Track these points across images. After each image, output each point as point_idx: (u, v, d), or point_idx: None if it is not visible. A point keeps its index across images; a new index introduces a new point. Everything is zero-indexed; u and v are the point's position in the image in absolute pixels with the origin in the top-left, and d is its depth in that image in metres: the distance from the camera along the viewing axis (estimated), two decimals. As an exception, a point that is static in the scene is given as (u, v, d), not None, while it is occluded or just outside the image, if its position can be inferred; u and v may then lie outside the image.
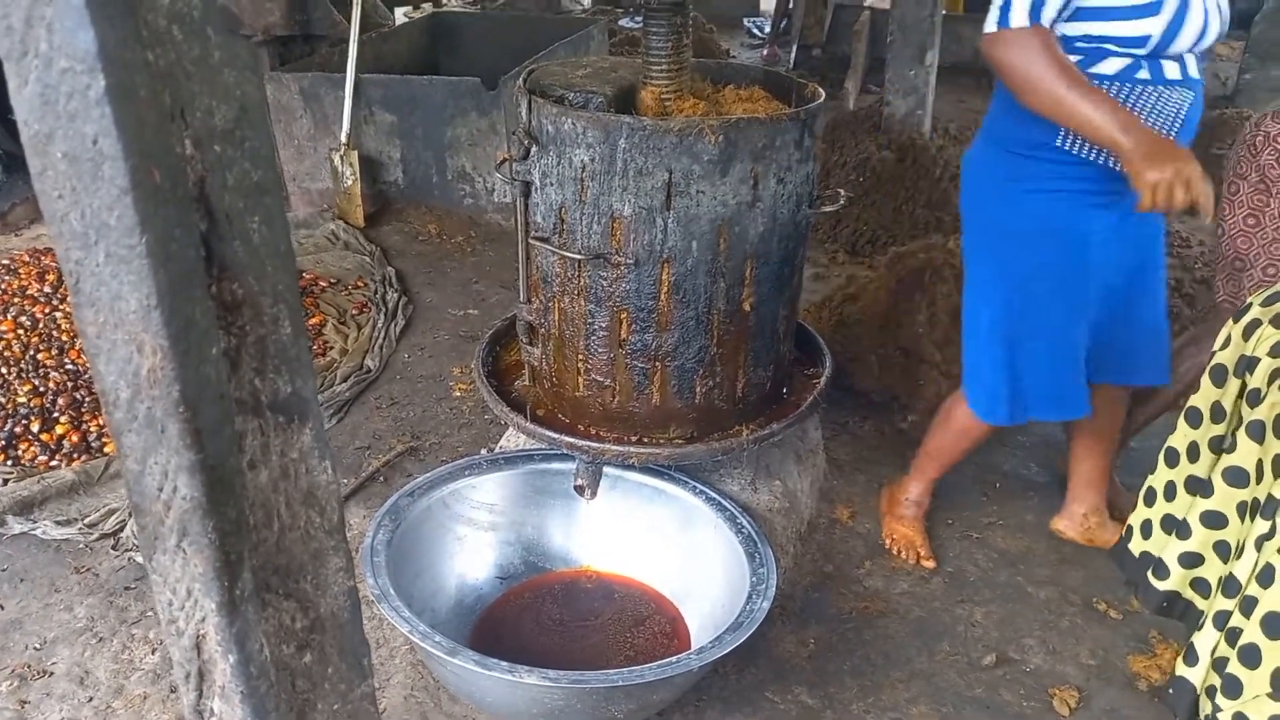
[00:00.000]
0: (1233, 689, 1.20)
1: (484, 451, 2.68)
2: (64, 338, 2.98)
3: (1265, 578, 1.16)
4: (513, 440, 2.43)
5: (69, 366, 2.86)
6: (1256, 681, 1.17)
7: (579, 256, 1.94)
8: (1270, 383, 1.23)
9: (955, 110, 6.07)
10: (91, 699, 1.94)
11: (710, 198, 1.87)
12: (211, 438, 0.50)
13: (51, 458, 2.59)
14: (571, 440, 2.07)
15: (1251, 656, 1.17)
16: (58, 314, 3.11)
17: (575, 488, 2.11)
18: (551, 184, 1.94)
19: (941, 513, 2.55)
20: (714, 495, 2.13)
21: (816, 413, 2.41)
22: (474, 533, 2.18)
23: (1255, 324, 1.31)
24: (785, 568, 2.21)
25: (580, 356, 2.06)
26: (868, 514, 2.55)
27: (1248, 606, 1.19)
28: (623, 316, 1.98)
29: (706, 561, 2.10)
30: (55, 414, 2.69)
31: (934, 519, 2.51)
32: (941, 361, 3.04)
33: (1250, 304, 1.36)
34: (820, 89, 2.08)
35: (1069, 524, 2.41)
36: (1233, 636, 1.21)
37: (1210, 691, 1.26)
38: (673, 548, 2.17)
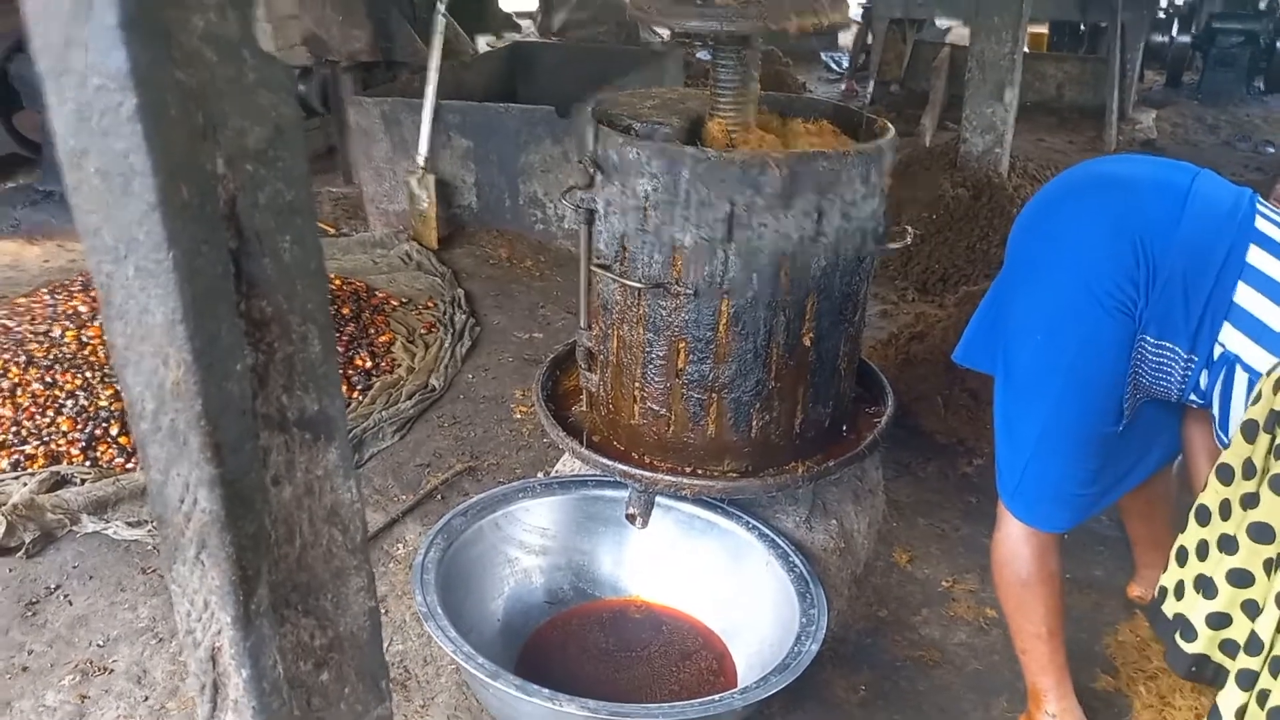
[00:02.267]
0: None
1: (540, 475, 2.69)
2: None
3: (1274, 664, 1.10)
4: (568, 465, 2.44)
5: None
6: None
7: (639, 285, 1.94)
8: None
9: (1035, 149, 5.96)
10: (147, 698, 1.99)
11: (773, 230, 1.86)
12: (232, 453, 0.50)
13: (128, 460, 2.68)
14: (625, 468, 2.06)
15: None
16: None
17: (627, 516, 2.10)
18: (615, 212, 1.95)
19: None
20: (767, 531, 2.10)
21: (877, 452, 2.36)
22: (525, 556, 2.18)
23: None
24: (838, 610, 2.16)
25: (637, 384, 2.06)
26: (927, 559, 2.48)
27: (1276, 667, 1.13)
28: (681, 346, 1.98)
29: (757, 598, 2.06)
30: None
31: (996, 567, 2.43)
32: (1010, 405, 2.96)
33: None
34: (890, 124, 2.05)
35: (1146, 589, 2.30)
36: (1262, 699, 1.15)
37: None
38: (723, 582, 2.14)
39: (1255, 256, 1.56)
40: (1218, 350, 1.60)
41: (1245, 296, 1.56)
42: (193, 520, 0.51)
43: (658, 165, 1.84)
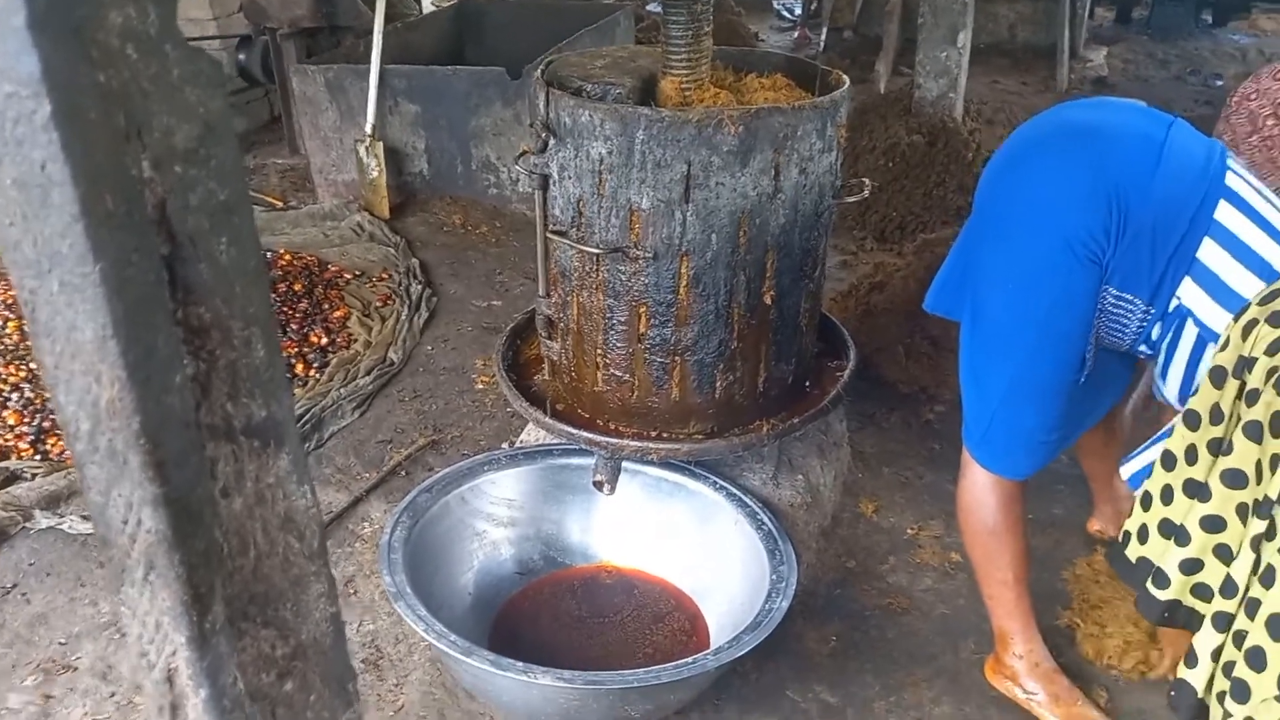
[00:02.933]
0: (1241, 693, 1.18)
1: (504, 446, 2.67)
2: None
3: (1268, 579, 1.13)
4: (533, 435, 2.42)
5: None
6: (1264, 684, 1.14)
7: (597, 250, 1.91)
8: (1267, 381, 1.20)
9: (989, 91, 5.96)
10: (114, 694, 1.96)
11: (730, 189, 1.83)
12: (176, 469, 0.48)
13: (80, 450, 2.62)
14: (590, 436, 2.05)
15: (1258, 659, 1.14)
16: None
17: (594, 483, 2.09)
18: (569, 177, 1.92)
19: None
20: (734, 491, 2.11)
21: (840, 405, 2.37)
22: (493, 528, 2.17)
23: (1253, 323, 1.28)
24: (807, 563, 2.18)
25: (599, 351, 2.04)
26: (892, 508, 2.51)
27: (1252, 609, 1.16)
28: (641, 311, 1.96)
29: (726, 558, 2.07)
30: (83, 407, 2.72)
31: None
32: (970, 352, 2.99)
33: (1248, 304, 1.32)
34: (844, 76, 2.03)
35: (1105, 523, 2.35)
36: (1239, 640, 1.18)
37: (1220, 697, 1.23)
38: (692, 544, 2.15)
39: (1224, 213, 1.57)
40: (1173, 304, 1.61)
41: (1209, 252, 1.57)
42: (138, 541, 0.49)
43: (611, 127, 1.81)
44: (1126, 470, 1.70)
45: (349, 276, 3.63)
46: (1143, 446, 1.70)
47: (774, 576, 1.88)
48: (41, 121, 0.40)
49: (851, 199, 2.09)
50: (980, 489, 1.83)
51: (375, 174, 4.13)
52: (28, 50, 0.38)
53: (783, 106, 1.82)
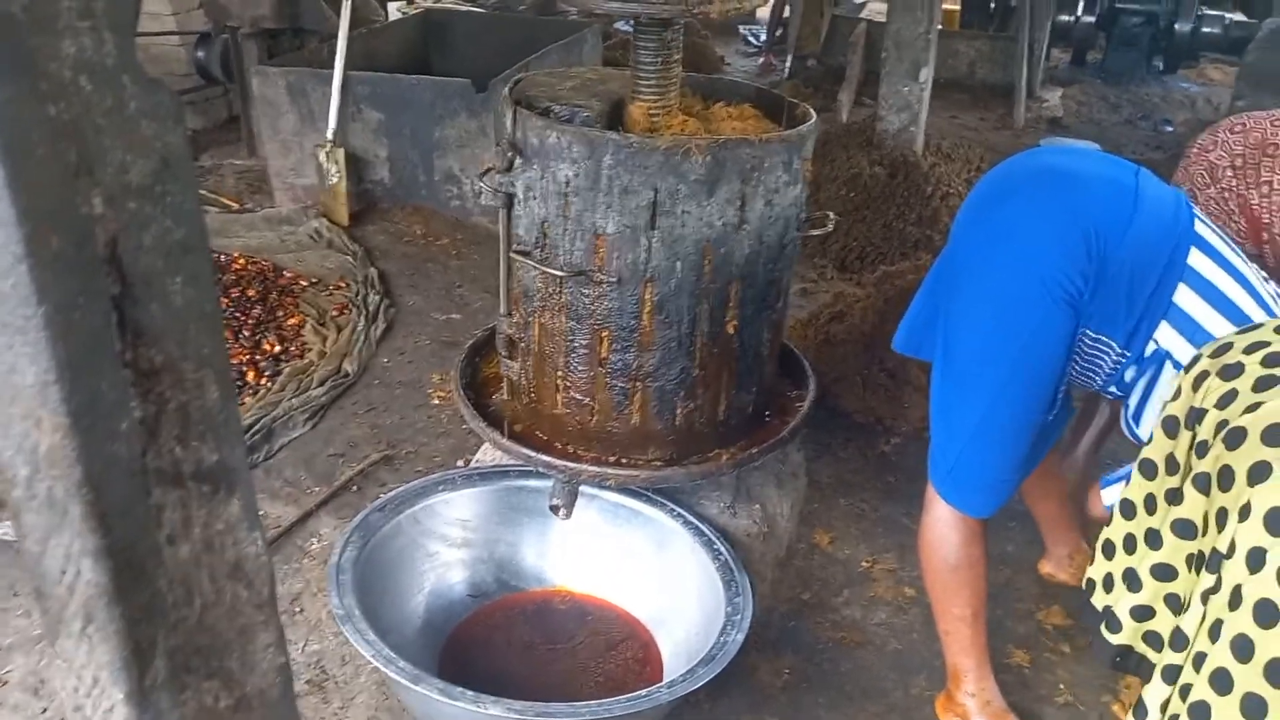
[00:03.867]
0: None
1: (460, 464, 2.63)
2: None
3: (1214, 633, 1.14)
4: (489, 454, 2.39)
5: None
6: None
7: (561, 273, 1.90)
8: (1216, 434, 1.22)
9: (948, 126, 6.06)
10: (45, 710, 1.89)
11: (696, 218, 1.83)
12: (120, 519, 0.46)
13: (16, 456, 2.53)
14: (548, 459, 2.02)
15: (1202, 714, 1.16)
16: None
17: (551, 507, 2.07)
18: (535, 197, 1.90)
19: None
20: (691, 519, 2.09)
21: (798, 436, 2.37)
22: (446, 549, 2.14)
23: (1204, 375, 1.31)
24: (762, 594, 2.17)
25: (560, 374, 2.02)
26: (847, 540, 2.52)
27: (1198, 662, 1.17)
28: (604, 335, 1.94)
29: (682, 587, 2.06)
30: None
31: (914, 548, 2.48)
32: (927, 384, 3.01)
33: (1200, 355, 1.35)
34: (811, 110, 2.04)
35: (1056, 566, 2.37)
36: (1185, 692, 1.19)
37: None
38: (648, 571, 2.13)
39: (1195, 259, 1.61)
40: (1150, 347, 1.64)
41: (1184, 298, 1.60)
42: (76, 593, 0.46)
43: (579, 150, 1.79)
44: (1108, 496, 1.71)
45: (305, 284, 3.57)
46: (1122, 473, 1.71)
47: (729, 609, 1.87)
48: (-14, 157, 0.37)
49: (816, 232, 2.10)
50: (943, 525, 1.83)
51: (335, 180, 4.07)
52: (-29, 82, 0.36)
53: (751, 139, 1.83)
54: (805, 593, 2.33)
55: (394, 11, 6.21)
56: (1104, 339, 1.67)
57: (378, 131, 4.13)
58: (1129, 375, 1.69)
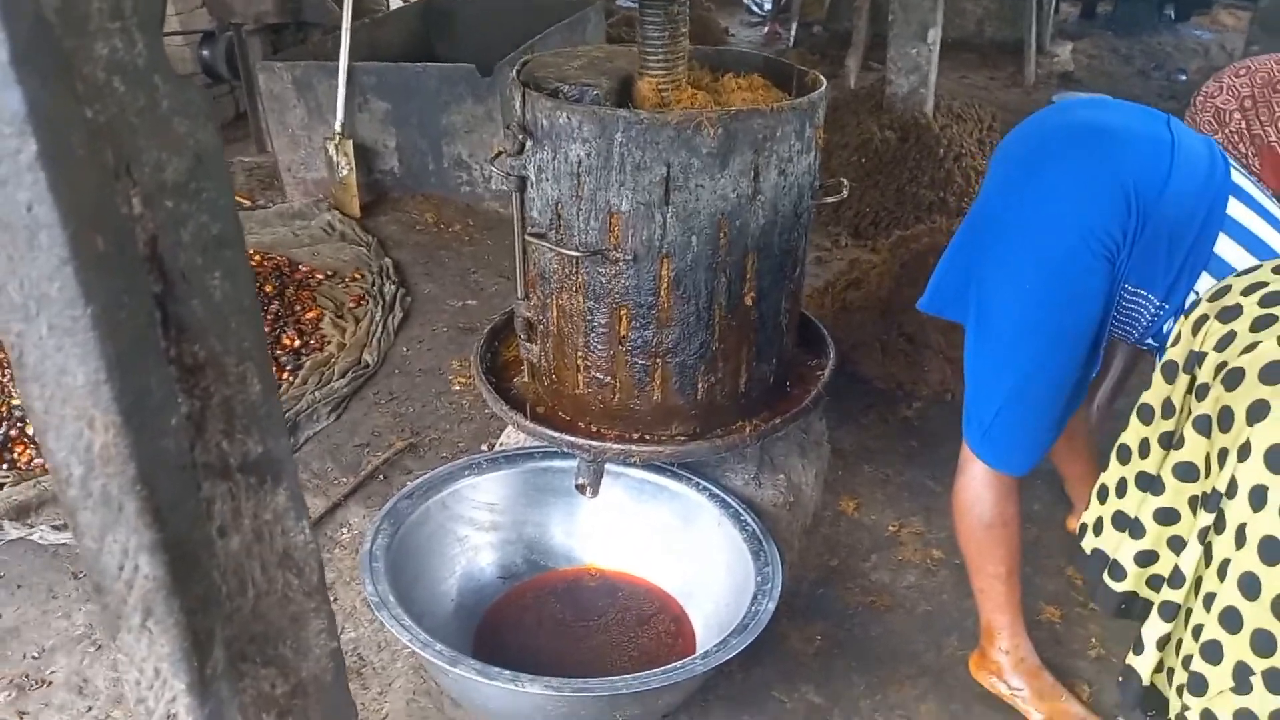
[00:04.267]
0: (1199, 686, 1.20)
1: (484, 449, 2.65)
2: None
3: (1222, 572, 1.15)
4: (513, 436, 2.40)
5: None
6: (1220, 677, 1.16)
7: (576, 253, 1.90)
8: (1215, 376, 1.22)
9: (958, 87, 6.00)
10: (90, 709, 1.93)
11: (710, 191, 1.82)
12: (173, 512, 0.46)
13: (48, 460, 2.57)
14: (572, 439, 2.03)
15: (1213, 652, 1.17)
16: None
17: (577, 486, 2.08)
18: (547, 179, 1.90)
19: (947, 503, 2.51)
20: (717, 492, 2.10)
21: (820, 404, 2.38)
22: (475, 533, 2.16)
23: (1203, 319, 1.31)
24: (790, 563, 2.18)
25: (580, 354, 2.03)
26: (873, 505, 2.52)
27: (1208, 601, 1.18)
28: (622, 313, 1.94)
29: (711, 559, 2.07)
30: (51, 415, 2.67)
31: (939, 510, 2.48)
32: (946, 347, 3.01)
33: (1199, 299, 1.35)
34: (821, 77, 2.03)
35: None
36: (1196, 633, 1.20)
37: (1180, 690, 1.25)
38: (676, 545, 2.14)
39: (1234, 209, 1.59)
40: (1190, 298, 1.63)
41: (1225, 247, 1.59)
42: (135, 587, 0.47)
43: (590, 129, 1.79)
44: None
45: (321, 277, 3.58)
46: None
47: (759, 578, 1.88)
48: (27, 161, 0.38)
49: (830, 199, 2.09)
50: (978, 484, 1.83)
51: (345, 172, 4.08)
52: (11, 86, 0.36)
53: (762, 109, 1.82)
54: (833, 559, 2.34)
55: (395, 1, 6.18)
56: (1143, 292, 1.66)
57: (385, 121, 4.12)
58: (1168, 327, 1.68)
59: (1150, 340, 1.74)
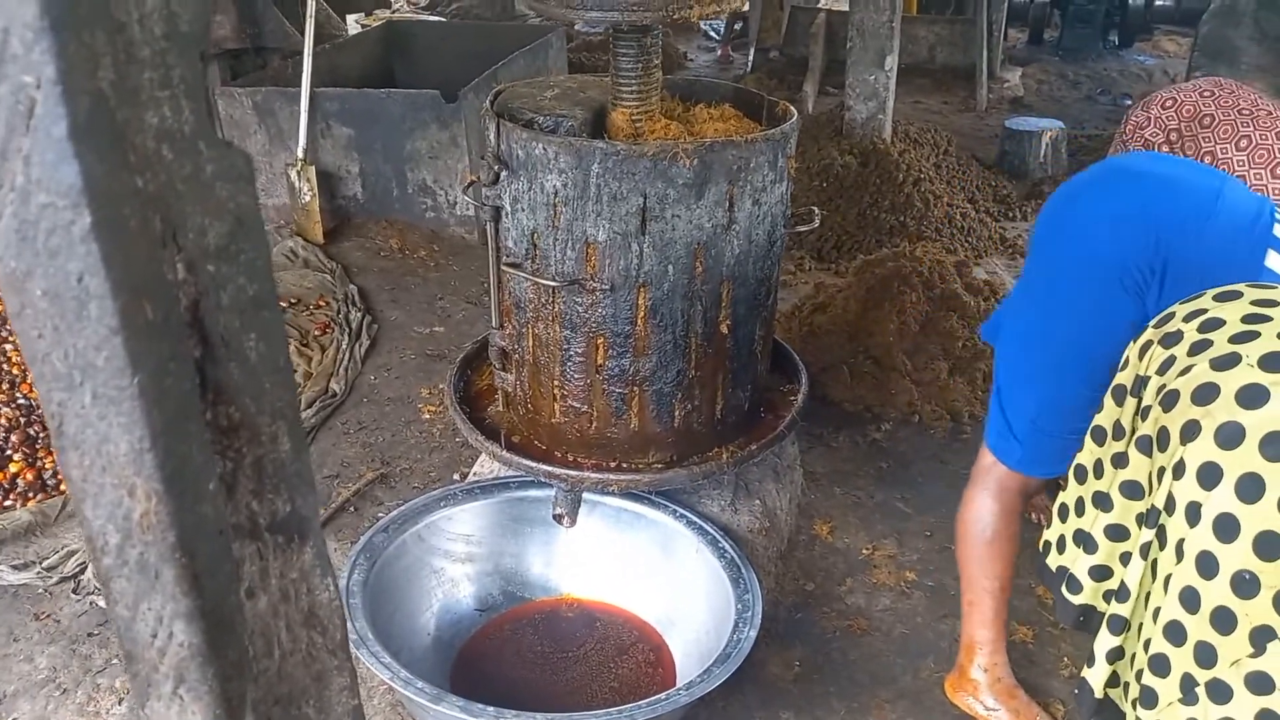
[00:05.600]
0: (1149, 699, 1.24)
1: (457, 478, 2.63)
2: (15, 371, 2.87)
3: (1166, 586, 1.19)
4: (486, 465, 2.39)
5: (21, 401, 2.75)
6: (1168, 690, 1.21)
7: (554, 283, 1.90)
8: (1156, 397, 1.27)
9: (913, 111, 6.11)
10: (56, 755, 1.87)
11: (686, 221, 1.84)
12: (210, 579, 0.46)
13: (5, 497, 2.50)
14: (549, 469, 2.03)
15: (1161, 665, 1.21)
16: (6, 346, 3.00)
17: (554, 516, 2.07)
18: (523, 209, 1.90)
19: (919, 524, 2.55)
20: (695, 519, 2.11)
21: (794, 429, 2.40)
22: (451, 565, 2.13)
23: (1148, 344, 1.36)
24: (768, 588, 2.19)
25: (556, 383, 2.02)
26: (846, 529, 2.54)
27: (1155, 615, 1.22)
28: (599, 342, 1.95)
29: (690, 587, 2.07)
30: (8, 451, 2.59)
31: (911, 532, 2.51)
32: (912, 370, 3.05)
33: (1146, 325, 1.40)
34: (791, 107, 2.06)
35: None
36: (1146, 645, 1.24)
37: (1134, 703, 1.29)
38: (655, 573, 2.14)
39: (1273, 260, 1.64)
40: None
41: None
42: (168, 655, 0.46)
43: (566, 160, 1.80)
44: None
45: (284, 304, 3.54)
46: None
47: (739, 605, 1.89)
48: (80, 233, 0.37)
49: (802, 228, 2.12)
50: (988, 499, 1.87)
51: (308, 198, 4.04)
52: (68, 160, 0.36)
53: (736, 140, 1.84)
54: (809, 584, 2.35)
55: (352, 24, 6.16)
56: None
57: (348, 147, 4.10)
58: None
59: None
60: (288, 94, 4.00)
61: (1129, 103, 6.50)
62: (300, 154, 4.01)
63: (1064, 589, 1.46)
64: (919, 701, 2.02)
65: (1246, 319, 1.23)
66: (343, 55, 4.74)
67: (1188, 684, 1.17)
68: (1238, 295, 1.30)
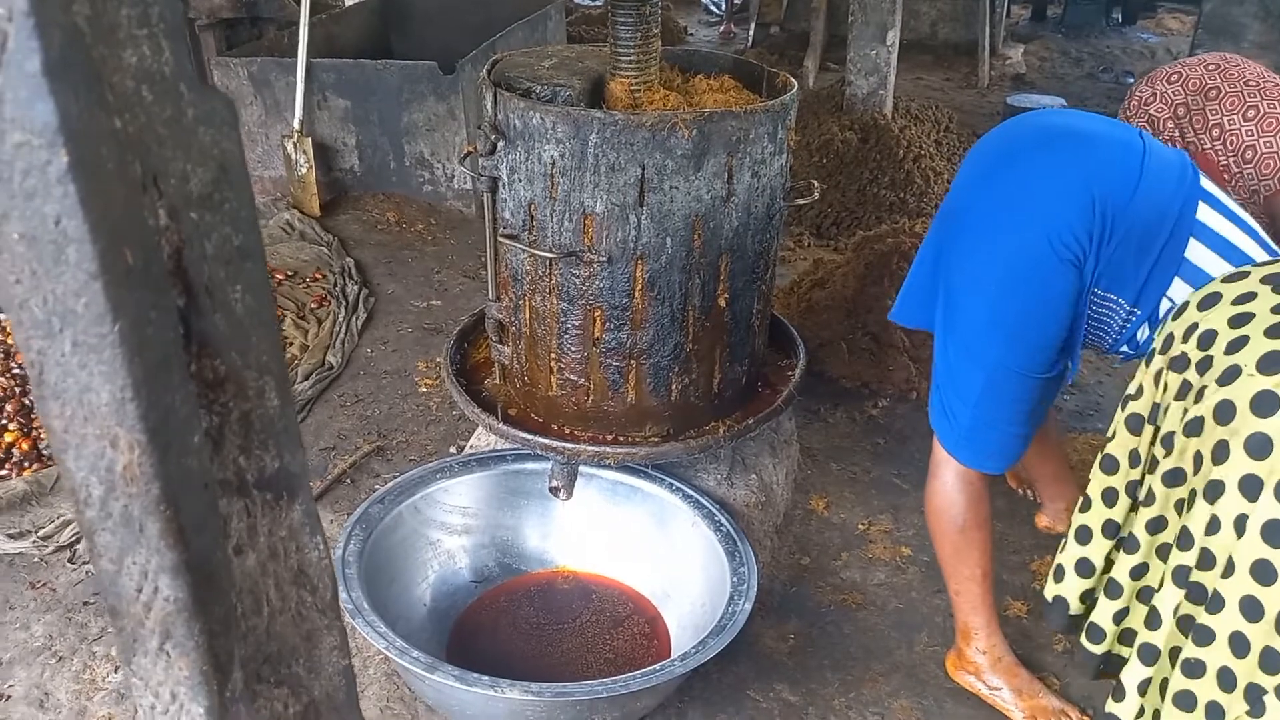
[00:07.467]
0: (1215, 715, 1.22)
1: (453, 451, 2.63)
2: (9, 341, 2.86)
3: (1214, 605, 1.18)
4: (483, 438, 2.38)
5: (15, 370, 2.74)
6: (1234, 704, 1.19)
7: (550, 255, 1.89)
8: (1180, 425, 1.25)
9: (914, 88, 6.07)
10: (53, 723, 1.87)
11: (684, 193, 1.83)
12: (196, 533, 0.45)
13: (0, 466, 2.49)
14: (546, 441, 2.02)
15: (1228, 680, 1.19)
16: (1, 316, 2.99)
17: (550, 489, 2.07)
18: (520, 180, 1.89)
19: (914, 500, 2.55)
20: (691, 492, 2.11)
21: (791, 404, 2.39)
22: (447, 537, 2.13)
23: (1160, 372, 1.33)
24: (763, 562, 2.19)
25: (553, 355, 2.02)
26: (842, 504, 2.54)
27: (1174, 655, 1.21)
28: (596, 314, 1.94)
29: (685, 560, 2.07)
30: (3, 420, 2.59)
31: (907, 508, 2.51)
32: (910, 346, 3.04)
33: (1153, 351, 1.37)
34: (792, 79, 2.04)
35: (1053, 519, 2.41)
36: (1188, 667, 1.22)
37: None
38: (651, 546, 2.14)
39: (1204, 213, 1.62)
40: (1164, 305, 1.65)
41: (1196, 252, 1.62)
42: (154, 610, 0.46)
43: (564, 130, 1.78)
44: None
45: (281, 277, 3.52)
46: None
47: (735, 578, 1.89)
48: (57, 174, 0.36)
49: (802, 201, 2.10)
50: (950, 489, 1.85)
51: (304, 170, 4.02)
52: (43, 97, 0.35)
53: (735, 110, 1.82)
54: (805, 558, 2.35)
55: (349, -5, 6.09)
56: (1113, 297, 1.68)
57: (345, 119, 4.07)
58: (1141, 334, 1.70)
59: (1125, 348, 1.76)
60: (284, 65, 3.97)
61: (1131, 80, 6.45)
62: (296, 126, 3.97)
63: (1085, 639, 1.42)
64: (913, 675, 2.03)
65: (1233, 322, 1.22)
66: (339, 26, 4.70)
67: (1253, 694, 1.15)
68: (1218, 298, 1.28)
